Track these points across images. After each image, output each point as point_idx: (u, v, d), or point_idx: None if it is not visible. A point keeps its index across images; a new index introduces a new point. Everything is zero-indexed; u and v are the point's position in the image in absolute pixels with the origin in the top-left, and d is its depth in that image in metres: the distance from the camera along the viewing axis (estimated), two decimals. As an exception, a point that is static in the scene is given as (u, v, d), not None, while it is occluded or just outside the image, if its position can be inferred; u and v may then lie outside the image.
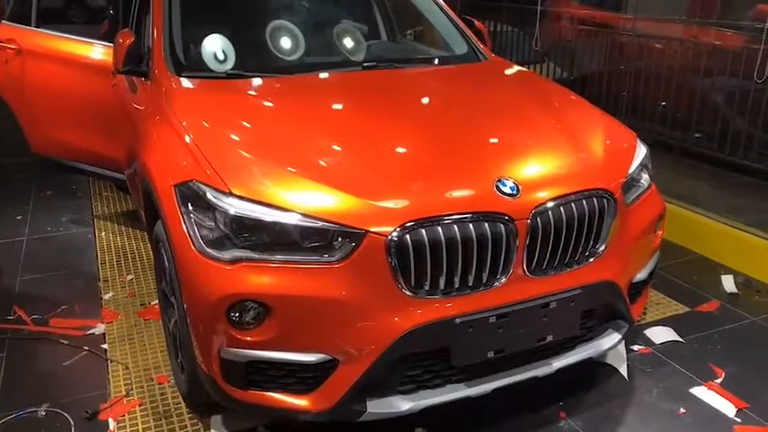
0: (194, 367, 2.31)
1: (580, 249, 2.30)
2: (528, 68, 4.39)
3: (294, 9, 3.62)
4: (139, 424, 2.52)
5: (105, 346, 3.01)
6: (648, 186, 2.65)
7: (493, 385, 2.26)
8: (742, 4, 5.78)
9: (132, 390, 2.71)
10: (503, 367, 2.29)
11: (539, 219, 2.17)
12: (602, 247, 2.35)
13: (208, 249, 2.10)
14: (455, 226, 2.08)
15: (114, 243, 4.10)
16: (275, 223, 2.06)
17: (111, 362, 2.90)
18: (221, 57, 3.04)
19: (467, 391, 2.23)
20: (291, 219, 2.05)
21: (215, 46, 3.05)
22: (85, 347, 3.00)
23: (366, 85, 3.05)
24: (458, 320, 2.09)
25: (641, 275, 2.61)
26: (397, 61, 3.37)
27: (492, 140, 2.58)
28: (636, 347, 3.00)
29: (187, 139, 2.42)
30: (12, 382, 2.79)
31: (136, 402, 2.64)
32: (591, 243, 2.33)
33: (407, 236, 2.03)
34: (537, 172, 2.37)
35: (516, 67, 3.53)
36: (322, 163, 2.28)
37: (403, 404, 2.16)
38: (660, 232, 2.73)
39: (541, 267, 2.23)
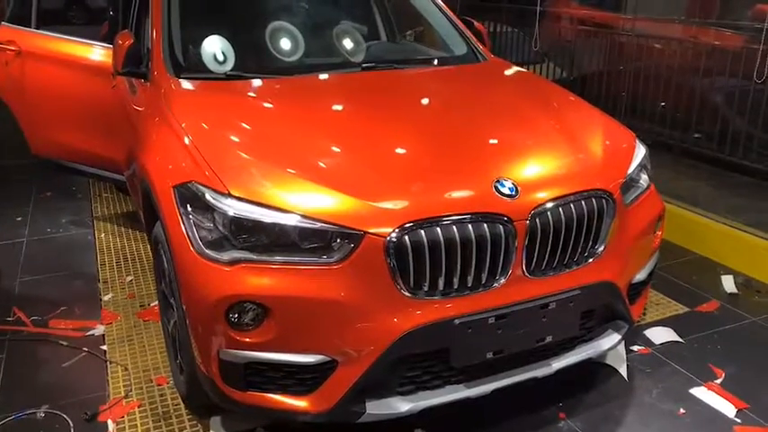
0: (193, 368, 2.31)
1: (579, 250, 2.30)
2: (527, 69, 4.39)
3: (293, 10, 3.61)
4: (139, 425, 2.52)
5: (105, 347, 3.01)
6: (648, 187, 2.65)
7: (492, 386, 2.26)
8: (741, 4, 5.77)
9: (131, 391, 2.71)
10: (502, 368, 2.29)
11: (538, 219, 2.17)
12: (602, 248, 2.34)
13: (207, 250, 2.10)
14: (454, 227, 2.08)
15: (114, 244, 4.10)
16: (274, 224, 2.06)
17: (111, 363, 2.90)
18: (220, 58, 3.04)
19: (466, 392, 2.23)
20: (290, 220, 2.05)
21: (214, 47, 3.05)
22: (85, 349, 3.00)
23: (365, 86, 3.05)
24: (457, 321, 2.09)
25: (641, 276, 2.61)
26: (397, 62, 3.37)
27: (491, 141, 2.58)
28: (635, 348, 3.00)
29: (186, 140, 2.42)
30: (11, 383, 2.79)
31: (135, 404, 2.64)
32: (590, 244, 2.32)
33: (406, 237, 2.03)
34: (536, 173, 2.37)
35: (515, 68, 3.53)
36: (321, 164, 2.28)
37: (402, 405, 2.16)
38: (659, 232, 2.73)
39: (540, 268, 2.23)
